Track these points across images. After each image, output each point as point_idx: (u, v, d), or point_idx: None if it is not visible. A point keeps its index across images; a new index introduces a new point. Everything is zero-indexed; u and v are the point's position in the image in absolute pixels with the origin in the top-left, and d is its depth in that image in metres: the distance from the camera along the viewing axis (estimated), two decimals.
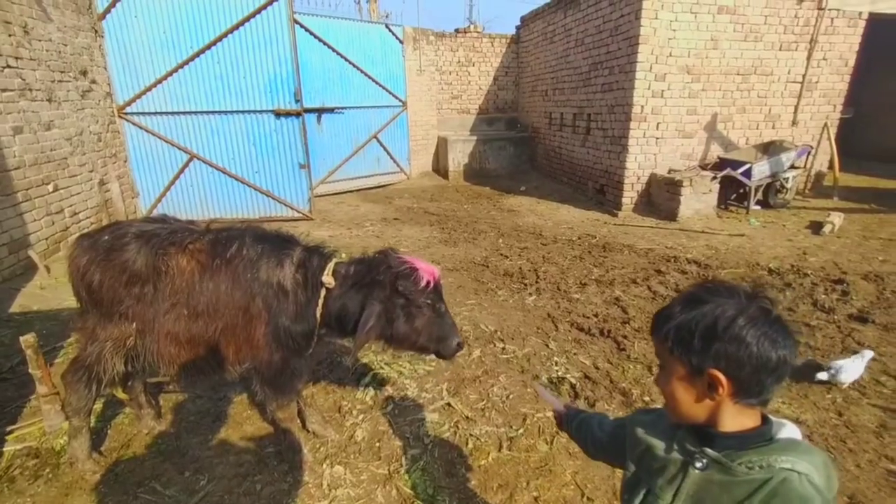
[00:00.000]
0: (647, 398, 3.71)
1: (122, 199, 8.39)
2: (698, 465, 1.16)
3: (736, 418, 1.15)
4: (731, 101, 9.26)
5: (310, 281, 2.67)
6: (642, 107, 8.90)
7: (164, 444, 3.24)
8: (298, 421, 3.22)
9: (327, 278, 2.63)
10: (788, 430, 1.18)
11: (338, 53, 11.31)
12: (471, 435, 3.34)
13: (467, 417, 3.53)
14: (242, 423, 3.48)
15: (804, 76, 9.26)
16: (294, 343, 2.69)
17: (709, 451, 1.15)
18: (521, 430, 3.38)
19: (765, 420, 1.18)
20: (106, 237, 2.65)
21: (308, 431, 3.31)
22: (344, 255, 2.87)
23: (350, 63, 11.63)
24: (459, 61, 15.08)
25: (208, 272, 2.60)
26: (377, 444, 3.27)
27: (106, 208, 7.90)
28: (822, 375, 3.77)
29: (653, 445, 1.30)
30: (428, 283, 2.56)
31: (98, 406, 3.47)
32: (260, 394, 2.83)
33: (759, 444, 1.12)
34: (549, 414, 3.52)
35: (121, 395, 3.42)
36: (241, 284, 2.60)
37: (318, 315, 2.66)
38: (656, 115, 9.01)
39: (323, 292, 2.64)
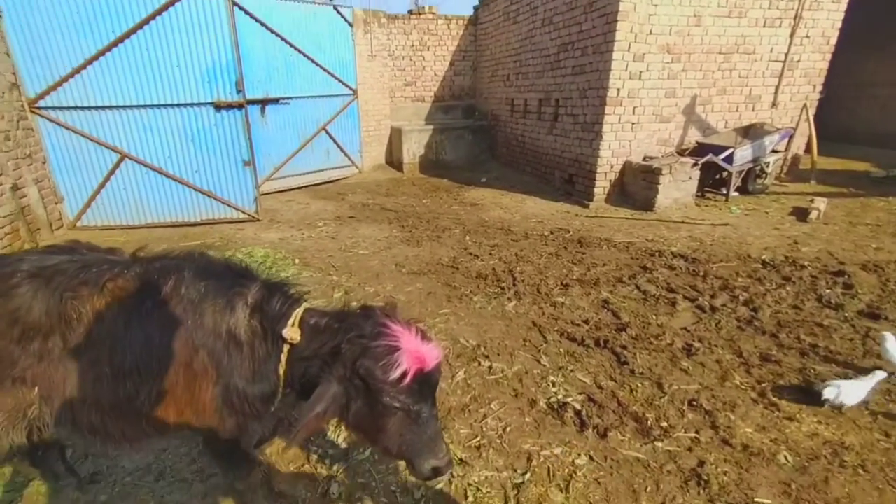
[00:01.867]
0: (663, 423, 3.25)
1: (42, 206, 7.46)
2: None
3: None
4: (711, 82, 8.84)
5: (269, 330, 2.00)
6: (618, 90, 8.37)
7: None
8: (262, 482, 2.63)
9: (290, 332, 1.95)
10: None
11: (282, 39, 10.44)
12: (469, 484, 2.82)
13: (461, 460, 2.99)
14: (192, 481, 2.85)
15: (786, 54, 8.89)
16: (251, 408, 2.04)
17: None
18: (527, 475, 2.87)
19: None
20: None
21: (275, 492, 2.72)
22: (311, 294, 2.21)
23: (296, 49, 10.78)
24: (413, 45, 14.25)
25: (136, 318, 1.96)
26: (357, 502, 2.72)
27: (24, 216, 6.96)
28: (829, 393, 3.26)
29: None
30: (404, 374, 1.78)
31: (6, 471, 2.79)
32: (213, 465, 2.23)
33: None
34: (558, 451, 3.04)
35: (28, 469, 2.73)
36: (179, 334, 1.95)
37: (280, 373, 1.99)
38: (633, 98, 8.50)
39: (286, 347, 1.97)
